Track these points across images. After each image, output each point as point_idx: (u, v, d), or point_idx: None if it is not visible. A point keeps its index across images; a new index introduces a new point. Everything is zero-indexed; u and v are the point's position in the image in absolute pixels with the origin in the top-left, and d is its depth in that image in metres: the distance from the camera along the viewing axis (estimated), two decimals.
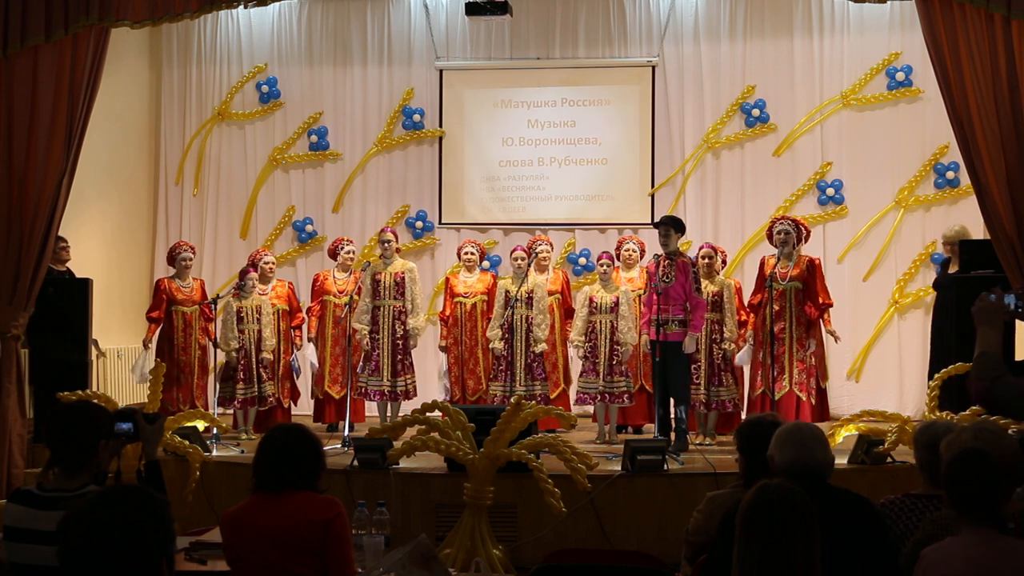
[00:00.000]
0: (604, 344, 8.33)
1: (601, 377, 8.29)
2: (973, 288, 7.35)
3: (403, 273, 8.79)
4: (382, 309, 8.73)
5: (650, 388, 8.71)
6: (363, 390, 8.75)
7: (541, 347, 8.52)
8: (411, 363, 8.83)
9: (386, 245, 8.86)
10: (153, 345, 8.82)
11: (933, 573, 3.01)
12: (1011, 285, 6.80)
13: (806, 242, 8.36)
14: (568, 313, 8.93)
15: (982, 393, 3.31)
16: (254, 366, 8.62)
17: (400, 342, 8.72)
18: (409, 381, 8.79)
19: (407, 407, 8.57)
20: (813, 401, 8.08)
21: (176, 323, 8.79)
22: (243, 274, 8.78)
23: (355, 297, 8.80)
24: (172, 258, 9.02)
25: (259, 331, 8.65)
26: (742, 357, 8.40)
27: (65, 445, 3.37)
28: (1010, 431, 4.26)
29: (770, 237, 8.33)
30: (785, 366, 7.97)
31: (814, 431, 3.59)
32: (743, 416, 8.09)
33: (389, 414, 8.70)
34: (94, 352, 8.63)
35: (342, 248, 9.23)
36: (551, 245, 9.30)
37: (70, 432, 3.37)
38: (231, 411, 8.68)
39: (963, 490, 3.04)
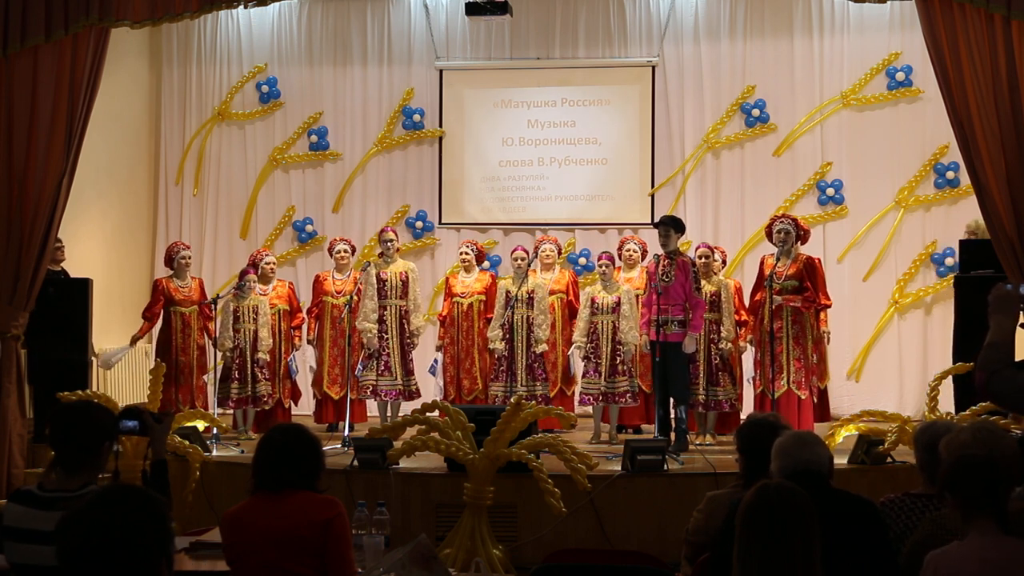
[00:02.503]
0: (606, 344, 8.32)
1: (603, 377, 8.28)
2: (972, 288, 7.42)
3: (407, 273, 8.81)
4: (389, 309, 8.73)
5: (647, 388, 8.71)
6: (372, 389, 8.71)
7: (542, 347, 8.51)
8: (413, 363, 8.91)
9: (387, 245, 8.85)
10: (153, 346, 8.81)
11: None
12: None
13: (804, 243, 8.34)
14: (573, 313, 8.91)
15: (982, 385, 3.32)
16: (249, 366, 8.60)
17: (409, 341, 8.78)
18: (415, 381, 8.88)
19: (406, 407, 8.59)
20: (815, 400, 8.07)
21: (175, 324, 8.76)
22: (243, 275, 8.77)
23: (355, 297, 8.79)
24: (170, 258, 8.97)
25: (255, 331, 8.63)
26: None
27: (66, 445, 3.37)
28: (1011, 431, 4.26)
29: (769, 236, 8.33)
30: (783, 365, 7.96)
31: (802, 435, 3.61)
32: (742, 416, 8.08)
33: (389, 414, 8.67)
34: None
35: (335, 248, 9.24)
36: (557, 245, 9.29)
37: (71, 432, 3.36)
38: (230, 411, 8.68)
39: (968, 492, 3.04)
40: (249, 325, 8.62)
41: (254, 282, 8.78)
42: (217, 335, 8.49)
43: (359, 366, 8.66)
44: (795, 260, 8.08)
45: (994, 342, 3.31)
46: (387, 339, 8.72)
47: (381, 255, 8.92)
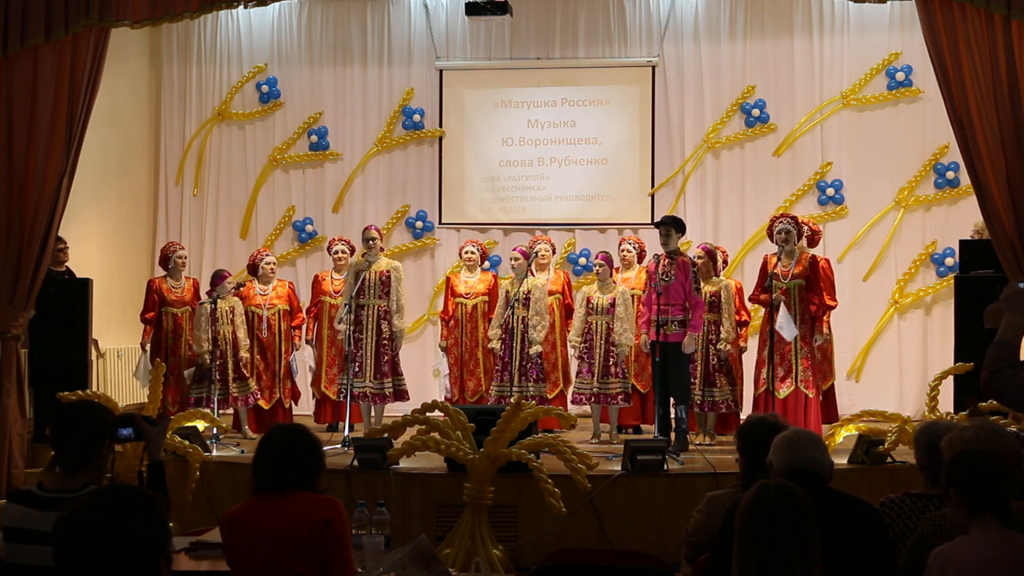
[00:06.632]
0: (600, 345, 8.31)
1: (595, 378, 8.27)
2: (973, 288, 7.41)
3: (388, 272, 8.57)
4: (366, 309, 8.51)
5: (641, 389, 8.69)
6: (345, 392, 8.45)
7: (535, 349, 8.39)
8: (397, 365, 8.61)
9: (371, 243, 8.58)
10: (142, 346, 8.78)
11: (948, 572, 3.00)
12: None
13: (814, 245, 8.32)
14: (569, 313, 8.89)
15: (984, 382, 3.32)
16: (231, 366, 8.53)
17: (386, 343, 8.54)
18: (398, 383, 8.57)
19: (392, 409, 8.50)
20: (821, 398, 8.06)
21: (166, 325, 8.68)
22: (218, 279, 8.60)
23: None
24: (165, 258, 8.88)
25: (234, 332, 8.58)
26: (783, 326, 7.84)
27: (66, 444, 3.36)
28: (1011, 430, 4.26)
29: (771, 235, 8.32)
30: (792, 364, 7.94)
31: (808, 434, 3.60)
32: (742, 416, 8.08)
33: (373, 416, 8.55)
34: (94, 353, 8.61)
35: (333, 248, 9.20)
36: (552, 245, 9.27)
37: (71, 431, 3.36)
38: (231, 411, 8.66)
39: (972, 487, 3.04)
40: (227, 327, 8.54)
41: (231, 284, 8.68)
42: (193, 337, 8.41)
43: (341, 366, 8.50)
44: (799, 260, 8.07)
45: (1002, 340, 3.31)
46: (362, 340, 8.50)
47: (364, 254, 8.68)
